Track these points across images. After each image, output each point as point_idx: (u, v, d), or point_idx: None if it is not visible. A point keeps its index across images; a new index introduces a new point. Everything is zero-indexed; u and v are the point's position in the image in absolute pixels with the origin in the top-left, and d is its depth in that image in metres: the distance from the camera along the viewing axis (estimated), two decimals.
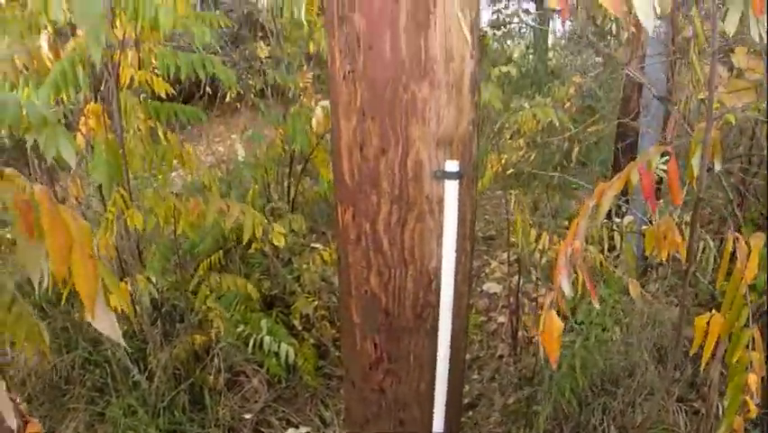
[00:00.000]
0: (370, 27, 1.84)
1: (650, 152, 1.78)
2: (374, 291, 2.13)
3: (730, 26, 1.74)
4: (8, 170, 1.38)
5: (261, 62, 5.54)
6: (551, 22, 9.17)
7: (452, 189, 1.97)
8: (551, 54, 9.95)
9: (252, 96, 5.59)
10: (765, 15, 1.70)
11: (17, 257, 1.40)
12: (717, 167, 2.08)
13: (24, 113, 2.21)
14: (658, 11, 1.48)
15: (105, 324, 1.47)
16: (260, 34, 6.82)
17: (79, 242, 1.37)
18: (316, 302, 4.04)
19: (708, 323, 1.86)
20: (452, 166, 1.95)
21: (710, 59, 1.92)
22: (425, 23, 1.81)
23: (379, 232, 2.05)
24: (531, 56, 9.81)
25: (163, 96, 3.63)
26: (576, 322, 3.31)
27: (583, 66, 7.71)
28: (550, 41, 9.65)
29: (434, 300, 2.12)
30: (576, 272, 1.68)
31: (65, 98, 3.10)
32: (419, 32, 1.82)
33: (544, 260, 3.50)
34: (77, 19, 1.70)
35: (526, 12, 10.32)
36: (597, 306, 1.85)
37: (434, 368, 2.19)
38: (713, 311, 1.88)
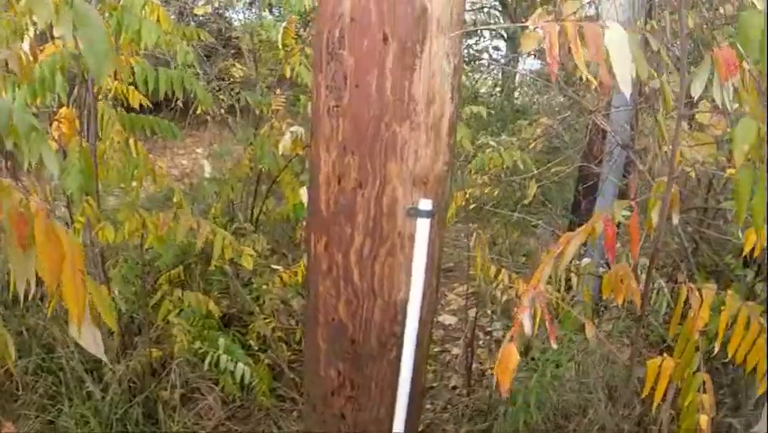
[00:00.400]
0: (358, 66, 1.91)
1: (614, 206, 1.88)
2: (342, 320, 2.18)
3: (696, 90, 1.85)
4: (5, 181, 1.42)
5: (234, 81, 5.58)
6: (520, 60, 9.35)
7: (423, 227, 2.04)
8: (517, 93, 10.12)
9: (223, 111, 5.61)
10: (730, 81, 1.80)
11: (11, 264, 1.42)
12: (675, 221, 2.18)
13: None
14: (633, 76, 1.58)
15: (89, 340, 1.50)
16: (232, 51, 6.86)
17: (70, 257, 1.40)
18: (274, 324, 4.06)
19: (660, 366, 1.96)
20: (425, 204, 2.02)
21: (674, 116, 2.03)
22: (410, 66, 1.89)
23: (350, 263, 2.11)
24: (498, 93, 9.96)
25: (136, 107, 3.64)
26: (531, 358, 3.39)
27: (549, 106, 7.87)
28: (517, 80, 9.82)
29: (398, 331, 2.18)
30: (536, 312, 1.76)
31: (38, 102, 3.10)
32: (405, 74, 1.90)
33: (504, 297, 3.57)
34: (85, 54, 1.73)
35: (496, 48, 10.52)
36: (555, 346, 1.92)
37: (394, 395, 2.25)
38: (664, 354, 1.98)
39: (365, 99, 1.93)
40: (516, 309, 1.90)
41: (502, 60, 10.06)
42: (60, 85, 2.98)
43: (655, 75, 2.53)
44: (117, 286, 3.58)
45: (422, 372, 2.44)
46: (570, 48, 1.58)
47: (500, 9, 10.59)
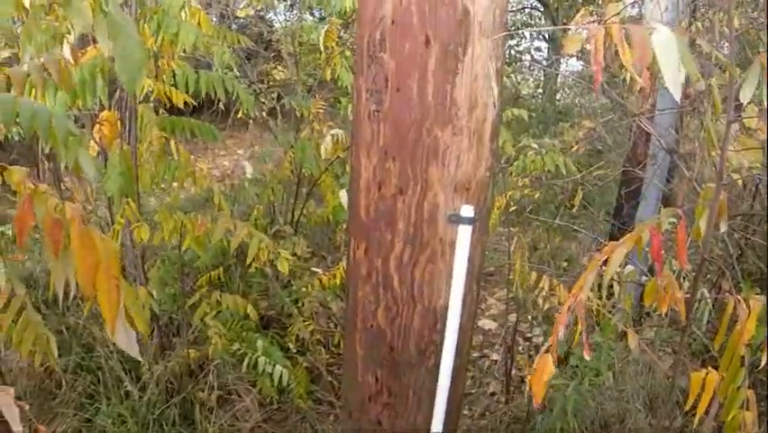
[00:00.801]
0: (400, 69, 1.88)
1: (662, 214, 1.83)
2: (380, 326, 2.16)
3: (746, 96, 1.79)
4: (42, 186, 1.42)
5: (275, 83, 5.59)
6: (561, 62, 9.26)
7: (465, 234, 2.00)
8: (558, 95, 10.03)
9: (264, 114, 5.64)
10: None
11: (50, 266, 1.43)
12: (723, 229, 2.12)
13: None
14: (683, 78, 1.52)
15: (124, 340, 1.50)
16: (273, 54, 6.89)
17: (105, 262, 1.40)
18: (313, 326, 4.05)
19: (704, 379, 1.91)
20: (467, 211, 1.99)
21: (722, 120, 1.97)
22: (453, 69, 1.86)
23: (390, 269, 2.08)
24: (540, 95, 9.89)
25: (181, 107, 3.65)
26: (571, 365, 3.34)
27: (591, 107, 7.79)
28: (559, 81, 9.73)
29: (438, 339, 2.15)
30: (576, 320, 1.73)
31: (80, 105, 3.12)
32: (447, 78, 1.86)
33: (546, 305, 3.52)
34: (118, 63, 1.72)
35: (537, 50, 10.45)
36: (587, 357, 1.88)
37: (432, 404, 2.21)
38: (708, 367, 1.93)
39: (406, 103, 1.90)
40: (556, 315, 1.87)
41: (544, 62, 9.98)
42: (101, 88, 3.00)
43: (701, 77, 2.47)
44: (156, 287, 3.60)
45: (461, 380, 2.41)
46: (615, 51, 1.54)
47: (541, 9, 10.53)
